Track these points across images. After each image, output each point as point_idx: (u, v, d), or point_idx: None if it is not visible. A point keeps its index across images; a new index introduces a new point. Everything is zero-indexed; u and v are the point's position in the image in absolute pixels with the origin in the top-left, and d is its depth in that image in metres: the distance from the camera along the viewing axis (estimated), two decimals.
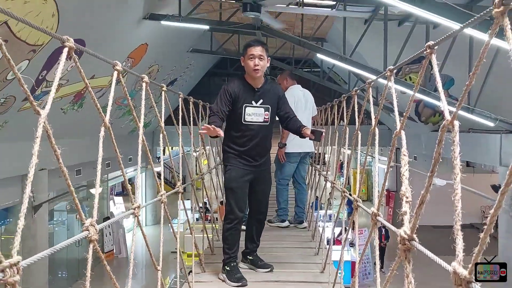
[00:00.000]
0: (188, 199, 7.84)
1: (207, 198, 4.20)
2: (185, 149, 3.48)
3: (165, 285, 9.46)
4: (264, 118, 2.94)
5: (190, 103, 3.44)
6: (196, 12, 7.48)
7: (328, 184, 4.43)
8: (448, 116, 1.04)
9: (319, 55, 8.05)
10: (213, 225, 4.21)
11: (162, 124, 2.33)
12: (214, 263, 3.27)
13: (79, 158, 8.29)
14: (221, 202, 6.45)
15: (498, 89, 6.85)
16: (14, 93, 5.49)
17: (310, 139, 2.95)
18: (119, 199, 15.70)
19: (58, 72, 1.08)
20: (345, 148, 2.62)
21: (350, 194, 2.47)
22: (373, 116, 1.84)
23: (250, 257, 3.16)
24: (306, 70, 13.36)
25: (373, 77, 3.64)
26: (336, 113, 3.41)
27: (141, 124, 1.75)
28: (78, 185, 10.27)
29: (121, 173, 1.60)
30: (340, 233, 8.67)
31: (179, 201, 2.65)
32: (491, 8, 0.91)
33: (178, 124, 2.81)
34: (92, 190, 11.01)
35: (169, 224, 2.79)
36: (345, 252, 8.15)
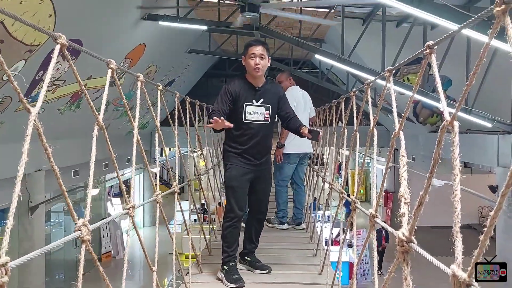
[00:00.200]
0: (187, 200, 7.82)
1: (204, 200, 4.17)
2: (182, 150, 3.46)
3: (163, 287, 9.42)
4: (265, 117, 2.96)
5: (187, 103, 3.42)
6: (194, 12, 7.47)
7: (326, 185, 4.42)
8: (447, 117, 1.02)
9: (317, 56, 8.04)
10: (211, 226, 4.19)
11: (158, 124, 2.31)
12: (211, 264, 3.25)
13: (77, 159, 8.26)
14: (219, 203, 6.43)
15: (496, 90, 6.86)
16: (10, 93, 5.46)
17: (308, 138, 2.96)
18: (116, 200, 15.64)
19: (49, 69, 1.05)
20: (343, 149, 2.60)
21: (349, 195, 2.46)
22: (371, 117, 1.82)
23: (248, 258, 3.15)
24: (305, 71, 13.36)
25: (372, 78, 3.62)
26: (334, 113, 3.40)
27: (135, 124, 1.73)
28: (76, 186, 10.23)
29: (117, 172, 1.58)
30: (338, 234, 8.67)
31: (175, 201, 2.63)
32: (492, 7, 0.90)
33: (174, 124, 2.79)
34: None
35: (165, 225, 2.76)
36: (343, 253, 8.16)
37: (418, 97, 6.97)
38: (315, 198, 4.84)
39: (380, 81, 3.12)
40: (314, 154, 5.02)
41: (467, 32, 4.10)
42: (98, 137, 1.34)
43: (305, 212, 4.78)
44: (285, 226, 4.52)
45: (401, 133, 1.44)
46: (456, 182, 0.95)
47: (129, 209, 1.54)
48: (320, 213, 5.31)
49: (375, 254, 1.59)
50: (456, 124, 1.01)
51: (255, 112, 2.92)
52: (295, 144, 4.32)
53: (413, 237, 1.12)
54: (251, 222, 3.15)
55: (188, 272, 3.10)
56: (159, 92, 2.36)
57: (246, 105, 2.90)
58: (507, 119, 6.75)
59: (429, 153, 9.79)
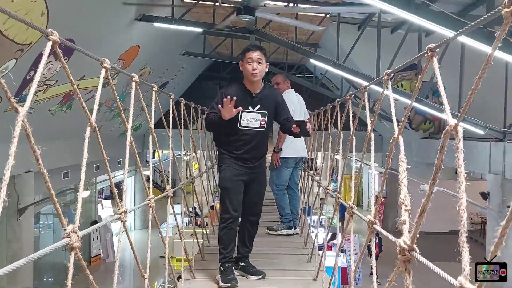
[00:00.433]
0: (178, 203, 7.74)
1: (197, 203, 4.12)
2: (176, 153, 3.41)
3: None
4: (260, 123, 2.95)
5: (182, 105, 3.38)
6: (189, 15, 7.43)
7: (321, 190, 4.38)
8: (451, 122, 1.00)
9: (312, 61, 8.04)
10: (204, 230, 4.13)
11: (152, 126, 2.27)
12: (205, 270, 3.19)
13: (67, 161, 8.15)
14: (212, 207, 6.37)
15: (489, 97, 6.91)
16: (0, 93, 5.37)
17: (297, 133, 2.88)
18: (107, 203, 15.48)
19: (40, 66, 1.01)
20: (338, 154, 2.58)
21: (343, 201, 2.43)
22: (369, 122, 1.80)
23: (242, 264, 3.10)
24: (299, 75, 13.37)
25: (366, 83, 3.61)
26: (329, 117, 3.37)
27: (129, 125, 1.69)
28: (66, 188, 10.09)
29: (108, 175, 1.53)
30: (332, 238, 8.65)
31: (168, 205, 2.58)
32: (500, 8, 0.87)
33: (168, 126, 2.74)
34: None
35: (158, 229, 2.71)
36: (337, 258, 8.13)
37: (415, 104, 6.98)
38: (306, 202, 4.80)
39: (374, 87, 3.10)
40: (308, 158, 4.99)
41: (462, 38, 4.12)
42: (90, 139, 1.29)
43: (299, 217, 4.74)
44: (293, 230, 4.39)
45: (401, 138, 1.41)
46: (462, 190, 0.93)
47: (121, 214, 1.49)
48: (314, 217, 5.28)
49: (374, 261, 1.55)
50: (460, 129, 0.99)
51: (251, 119, 2.91)
52: (292, 148, 4.29)
53: (415, 246, 1.08)
54: (244, 224, 3.12)
55: (180, 276, 3.05)
56: (153, 93, 2.31)
57: (242, 111, 2.89)
58: (500, 127, 6.80)
59: (421, 159, 9.83)
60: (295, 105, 4.34)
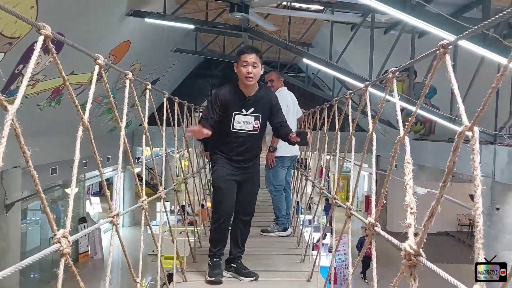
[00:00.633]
0: (167, 201, 7.66)
1: (189, 202, 4.06)
2: (167, 151, 3.35)
3: None
4: (254, 126, 2.91)
5: (175, 103, 3.31)
6: (181, 11, 7.33)
7: (309, 189, 4.36)
8: (466, 122, 0.97)
9: (305, 60, 8.02)
10: (195, 230, 4.07)
11: (146, 125, 2.21)
12: (196, 272, 3.13)
13: (55, 157, 8.00)
14: (202, 205, 6.30)
15: (481, 100, 6.95)
16: None
17: (297, 143, 2.89)
18: (95, 199, 15.28)
19: (31, 62, 0.95)
20: (335, 154, 2.54)
21: (327, 199, 2.40)
22: (370, 121, 1.76)
23: (234, 265, 3.05)
24: (291, 75, 13.35)
25: (360, 84, 3.57)
26: (326, 117, 3.34)
27: (123, 125, 1.63)
28: (54, 184, 9.93)
29: (99, 173, 1.48)
30: (323, 238, 8.65)
31: (160, 205, 2.52)
32: (505, 12, 0.84)
33: (162, 125, 2.68)
34: (68, 190, 10.66)
35: (149, 228, 2.65)
36: (325, 258, 8.13)
37: (403, 104, 7.00)
38: (297, 202, 4.77)
39: (370, 89, 3.09)
40: (301, 158, 4.95)
41: (459, 42, 4.12)
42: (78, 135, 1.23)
43: (291, 216, 4.71)
44: (288, 232, 4.37)
45: (407, 139, 1.38)
46: (478, 194, 0.89)
47: (113, 217, 1.43)
48: (308, 217, 5.25)
49: (374, 265, 1.52)
50: (476, 129, 0.95)
51: (244, 122, 2.88)
52: (287, 147, 4.25)
53: (421, 250, 1.05)
54: (237, 224, 3.08)
55: (170, 274, 2.99)
56: (147, 91, 2.25)
57: (235, 114, 2.85)
58: (491, 129, 6.85)
59: (413, 160, 9.88)
60: (289, 103, 4.31)
